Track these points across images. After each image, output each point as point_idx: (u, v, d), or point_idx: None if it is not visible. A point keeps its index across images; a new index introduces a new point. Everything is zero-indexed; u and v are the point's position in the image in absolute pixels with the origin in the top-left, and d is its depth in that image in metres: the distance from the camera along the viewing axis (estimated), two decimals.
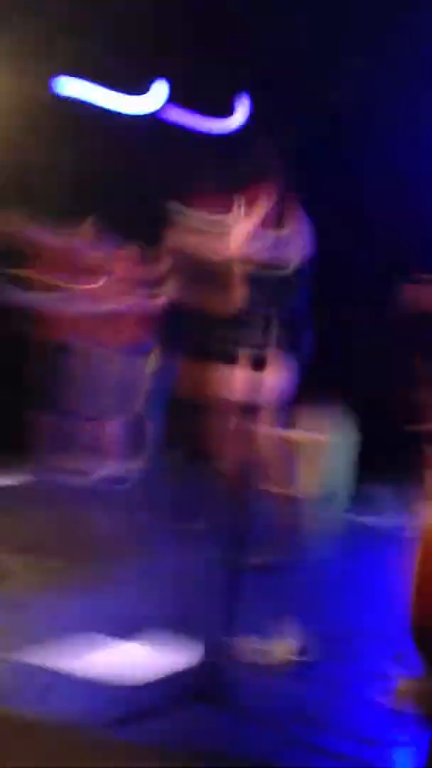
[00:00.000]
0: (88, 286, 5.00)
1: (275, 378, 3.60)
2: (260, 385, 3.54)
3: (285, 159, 2.28)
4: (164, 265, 4.83)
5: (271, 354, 3.59)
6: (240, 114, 5.65)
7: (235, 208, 3.71)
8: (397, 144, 6.28)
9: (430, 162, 6.29)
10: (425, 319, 2.53)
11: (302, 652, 2.45)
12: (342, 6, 5.76)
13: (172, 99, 5.83)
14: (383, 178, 6.55)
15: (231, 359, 3.77)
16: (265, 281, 3.71)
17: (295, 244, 3.65)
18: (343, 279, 6.76)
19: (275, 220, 3.44)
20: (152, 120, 5.87)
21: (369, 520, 5.33)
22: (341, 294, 6.75)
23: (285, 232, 3.59)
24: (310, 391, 6.63)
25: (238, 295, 3.82)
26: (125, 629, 2.56)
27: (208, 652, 2.01)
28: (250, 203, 3.67)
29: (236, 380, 3.71)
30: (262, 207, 3.59)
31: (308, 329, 3.73)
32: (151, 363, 4.88)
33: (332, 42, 5.44)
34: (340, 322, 6.83)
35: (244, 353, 3.74)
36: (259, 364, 3.60)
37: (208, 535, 3.71)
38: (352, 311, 6.85)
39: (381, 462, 6.58)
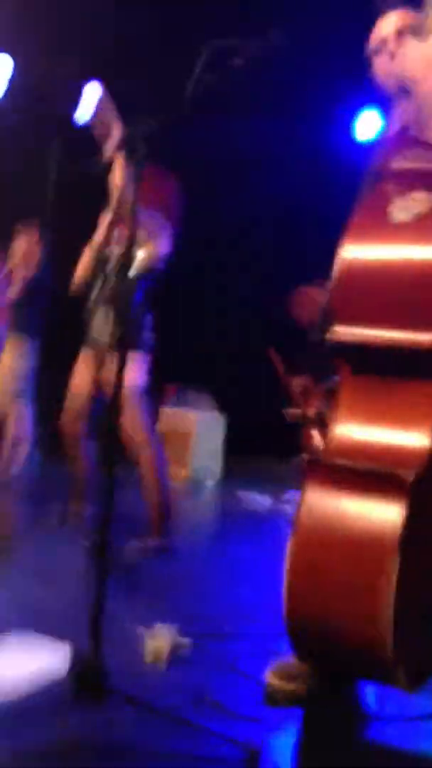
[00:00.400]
0: None
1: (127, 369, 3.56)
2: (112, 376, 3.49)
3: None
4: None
5: (113, 344, 3.55)
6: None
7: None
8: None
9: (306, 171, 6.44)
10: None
11: (185, 636, 2.46)
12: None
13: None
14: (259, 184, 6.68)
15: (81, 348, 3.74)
16: (111, 263, 3.66)
17: (160, 236, 3.62)
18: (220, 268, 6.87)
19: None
20: None
21: (244, 499, 5.42)
22: (222, 283, 6.87)
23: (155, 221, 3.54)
24: (182, 374, 6.71)
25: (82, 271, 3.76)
26: None
27: (86, 644, 1.97)
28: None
29: (85, 372, 3.67)
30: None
31: (148, 318, 3.71)
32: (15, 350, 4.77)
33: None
34: (215, 309, 6.95)
35: (90, 342, 3.72)
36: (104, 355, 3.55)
37: (82, 524, 3.67)
38: (229, 300, 6.97)
39: (254, 442, 6.72)
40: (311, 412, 4.23)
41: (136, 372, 3.60)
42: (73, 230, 3.91)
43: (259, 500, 5.32)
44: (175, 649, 2.39)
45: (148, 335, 3.72)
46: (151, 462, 3.58)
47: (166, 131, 1.95)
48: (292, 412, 5.11)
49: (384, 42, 2.17)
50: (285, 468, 6.26)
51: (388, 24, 2.18)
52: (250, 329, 6.94)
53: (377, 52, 2.19)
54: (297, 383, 4.45)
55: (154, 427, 3.71)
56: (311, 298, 2.41)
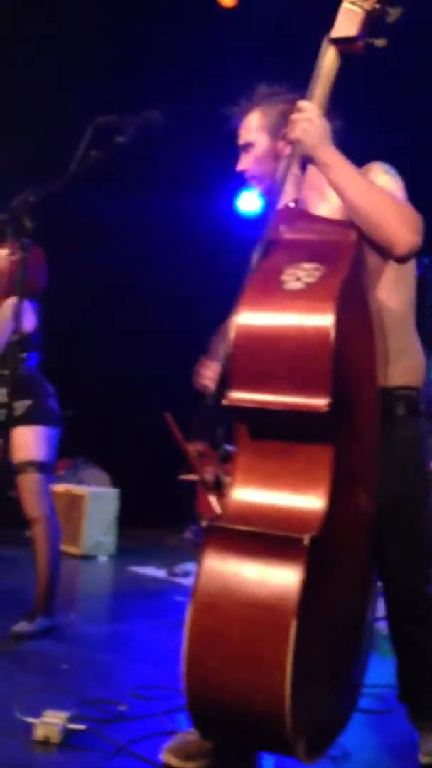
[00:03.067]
0: None
1: (22, 437, 3.51)
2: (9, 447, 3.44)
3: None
4: None
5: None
6: None
7: None
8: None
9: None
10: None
11: (78, 720, 2.36)
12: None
13: None
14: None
15: None
16: None
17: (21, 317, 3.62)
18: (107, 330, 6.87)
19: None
20: None
21: (136, 570, 5.33)
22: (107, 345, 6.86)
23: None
24: (73, 448, 6.60)
25: None
26: None
27: None
28: None
29: None
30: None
31: (49, 388, 3.68)
32: None
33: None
34: (102, 378, 6.91)
35: None
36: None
37: None
38: (116, 363, 6.96)
39: (148, 515, 6.64)
40: (208, 477, 4.25)
41: (37, 446, 3.54)
42: None
43: (153, 573, 5.24)
44: (67, 735, 2.28)
45: (53, 406, 3.66)
46: (44, 539, 3.49)
47: (50, 204, 1.97)
48: (189, 478, 5.10)
49: (247, 146, 2.31)
50: (178, 540, 6.20)
51: (246, 131, 2.31)
52: (141, 399, 6.94)
53: (245, 150, 2.33)
54: (193, 449, 4.47)
55: (52, 503, 3.62)
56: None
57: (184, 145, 5.74)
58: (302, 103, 2.07)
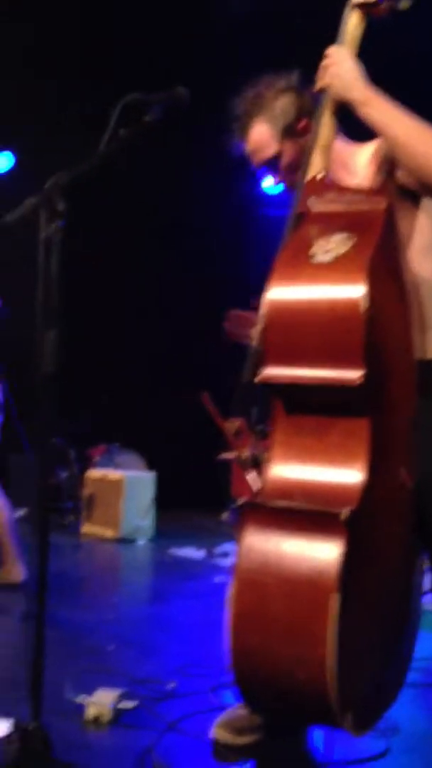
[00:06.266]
0: None
1: None
2: None
3: None
4: None
5: None
6: None
7: None
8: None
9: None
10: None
11: (128, 698, 2.38)
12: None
13: None
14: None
15: None
16: None
17: None
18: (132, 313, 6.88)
19: None
20: None
21: (175, 553, 5.35)
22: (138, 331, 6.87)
23: None
24: (108, 433, 6.62)
25: None
26: None
27: (27, 716, 1.88)
28: None
29: None
30: None
31: None
32: None
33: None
34: (135, 361, 6.94)
35: None
36: None
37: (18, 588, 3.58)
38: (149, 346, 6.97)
39: (186, 497, 6.67)
40: (245, 454, 4.25)
41: None
42: None
43: (193, 555, 5.26)
44: (118, 714, 2.31)
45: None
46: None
47: (83, 183, 1.96)
48: (227, 455, 5.11)
49: (271, 162, 2.17)
50: (216, 521, 6.22)
51: (261, 149, 2.16)
52: (174, 380, 6.95)
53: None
54: (230, 426, 4.47)
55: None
56: (245, 318, 2.44)
57: (205, 124, 5.70)
58: (330, 49, 2.00)
